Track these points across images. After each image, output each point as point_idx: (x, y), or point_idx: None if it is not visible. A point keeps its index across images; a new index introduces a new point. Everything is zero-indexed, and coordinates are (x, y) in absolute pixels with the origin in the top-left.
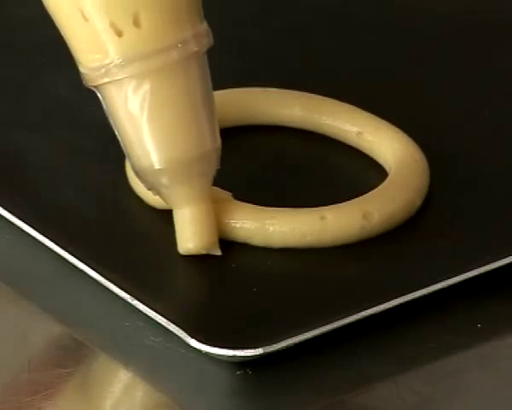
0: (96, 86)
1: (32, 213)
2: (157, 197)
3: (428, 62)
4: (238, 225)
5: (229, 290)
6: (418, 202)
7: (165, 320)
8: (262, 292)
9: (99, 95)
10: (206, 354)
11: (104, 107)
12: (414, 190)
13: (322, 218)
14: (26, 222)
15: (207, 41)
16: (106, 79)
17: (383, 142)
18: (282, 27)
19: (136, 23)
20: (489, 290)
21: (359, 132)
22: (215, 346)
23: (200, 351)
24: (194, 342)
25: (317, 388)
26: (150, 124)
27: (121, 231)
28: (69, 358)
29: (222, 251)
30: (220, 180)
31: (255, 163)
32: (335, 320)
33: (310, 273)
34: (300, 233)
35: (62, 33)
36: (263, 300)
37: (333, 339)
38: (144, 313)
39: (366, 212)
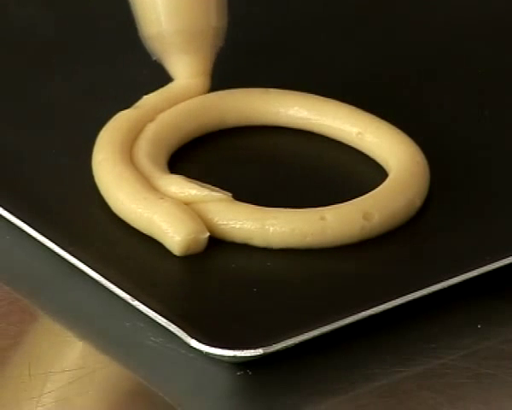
0: None
1: (32, 213)
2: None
3: (428, 62)
4: (238, 225)
5: (229, 290)
6: (418, 203)
7: (165, 320)
8: (262, 292)
9: None
10: (207, 355)
11: None
12: (414, 191)
13: (323, 218)
14: (26, 222)
15: None
16: None
17: (383, 142)
18: (282, 27)
19: None
20: (489, 290)
21: (359, 133)
22: (215, 346)
23: (200, 351)
24: (194, 343)
25: (317, 388)
26: None
27: (121, 231)
28: (69, 358)
29: (222, 251)
30: (220, 180)
31: (255, 163)
32: (335, 320)
33: (310, 273)
34: (300, 234)
35: None
36: (263, 300)
37: (333, 339)
38: (144, 314)
39: (366, 212)
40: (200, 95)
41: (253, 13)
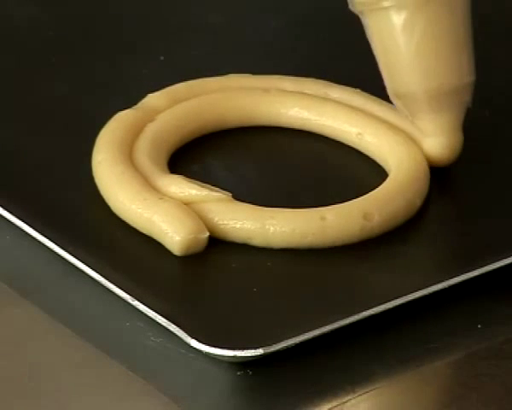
0: (360, 11)
1: (32, 213)
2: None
3: None
4: (238, 225)
5: (229, 290)
6: (418, 203)
7: (165, 320)
8: (262, 292)
9: (362, 19)
10: (207, 355)
11: (367, 32)
12: (414, 191)
13: (323, 218)
14: (26, 222)
15: None
16: (372, 6)
17: (383, 143)
18: (282, 26)
19: None
20: (489, 290)
21: (359, 133)
22: (215, 346)
23: (200, 351)
24: (194, 343)
25: (317, 388)
26: (413, 52)
27: (121, 231)
28: (69, 358)
29: (222, 251)
30: (220, 180)
31: (255, 163)
32: (335, 320)
33: (310, 273)
34: (301, 233)
35: None
36: (263, 300)
37: (333, 339)
38: (144, 314)
39: (366, 212)
40: (453, 157)
41: (254, 12)
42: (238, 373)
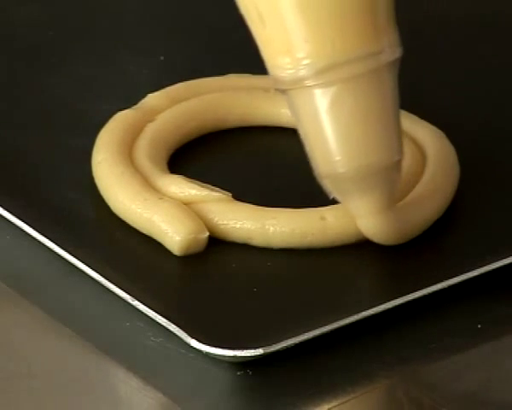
0: (283, 90)
1: (32, 213)
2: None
3: (428, 62)
4: (238, 225)
5: (229, 290)
6: None
7: (165, 320)
8: (262, 292)
9: (285, 99)
10: (207, 355)
11: (291, 111)
12: (412, 191)
13: (323, 218)
14: (26, 222)
15: (399, 50)
16: (295, 86)
17: None
18: None
19: None
20: (489, 290)
21: None
22: (215, 346)
23: (200, 351)
24: (194, 343)
25: (317, 388)
26: (339, 132)
27: (121, 232)
28: (69, 358)
29: (222, 251)
30: (220, 180)
31: (255, 163)
32: (335, 320)
33: (310, 273)
34: (301, 233)
35: (254, 34)
36: (263, 300)
37: (333, 339)
38: (144, 314)
39: None
40: (384, 238)
41: None
42: (238, 373)
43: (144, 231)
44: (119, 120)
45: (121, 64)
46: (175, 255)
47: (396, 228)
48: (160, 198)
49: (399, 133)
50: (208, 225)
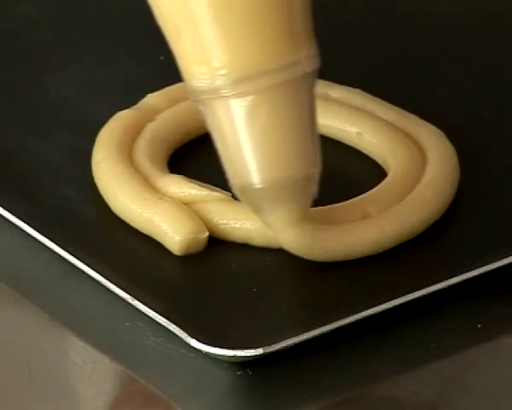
0: (200, 101)
1: (32, 213)
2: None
3: (428, 62)
4: (238, 225)
5: (229, 290)
6: None
7: (165, 320)
8: (262, 292)
9: (202, 109)
10: (207, 355)
11: (207, 121)
12: (412, 191)
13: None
14: (26, 222)
15: (317, 62)
16: (212, 96)
17: (382, 142)
18: None
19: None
20: (489, 290)
21: (359, 133)
22: (215, 346)
23: (200, 351)
24: (194, 342)
25: (317, 388)
26: (255, 143)
27: (121, 231)
28: (69, 358)
29: (222, 251)
30: (220, 180)
31: None
32: (335, 320)
33: (310, 273)
34: None
35: (170, 44)
36: (263, 300)
37: (333, 339)
38: (144, 314)
39: (365, 212)
40: (302, 249)
41: None
42: (238, 373)
43: (144, 231)
44: (119, 120)
45: (121, 64)
46: (175, 255)
47: (314, 240)
48: (160, 198)
49: (316, 145)
50: (208, 225)
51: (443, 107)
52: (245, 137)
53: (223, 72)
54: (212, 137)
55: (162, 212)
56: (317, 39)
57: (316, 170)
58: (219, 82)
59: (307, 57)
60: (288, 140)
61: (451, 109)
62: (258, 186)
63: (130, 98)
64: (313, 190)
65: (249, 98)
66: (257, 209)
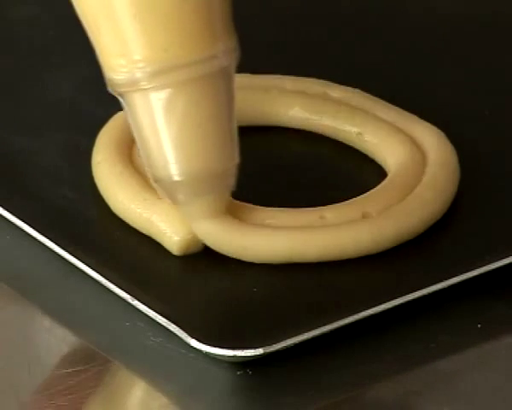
0: (120, 93)
1: (32, 213)
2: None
3: (428, 62)
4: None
5: (229, 290)
6: None
7: (165, 320)
8: (262, 292)
9: (122, 101)
10: (207, 355)
11: (126, 113)
12: (412, 190)
13: (322, 217)
14: (26, 222)
15: (236, 56)
16: (131, 88)
17: (382, 142)
18: (282, 26)
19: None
20: (489, 290)
21: (359, 133)
22: (215, 346)
23: (200, 351)
24: (194, 342)
25: (317, 388)
26: (173, 136)
27: (121, 231)
28: (69, 358)
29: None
30: None
31: (255, 163)
32: (335, 320)
33: (309, 273)
34: None
35: (90, 37)
36: (263, 300)
37: (333, 339)
38: (144, 314)
39: (365, 212)
40: (219, 243)
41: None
42: (238, 373)
43: (144, 231)
44: (119, 120)
45: None
46: (175, 255)
47: (232, 232)
48: (159, 198)
49: (235, 139)
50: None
51: (443, 107)
52: (163, 129)
53: (141, 64)
54: (131, 129)
55: (161, 212)
56: (317, 39)
57: (233, 163)
58: (138, 74)
59: (225, 51)
60: (206, 133)
61: (451, 109)
62: (175, 178)
63: None
64: (231, 183)
65: (167, 91)
66: (174, 200)
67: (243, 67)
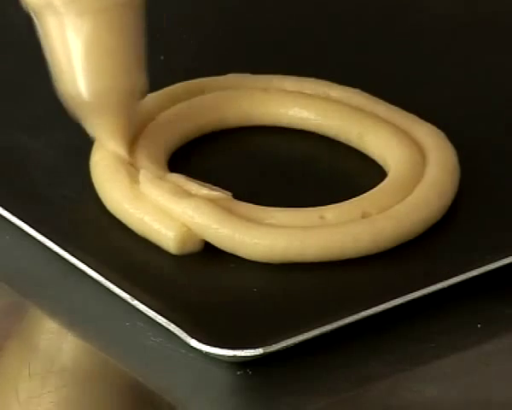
0: (35, 12)
1: (32, 213)
2: None
3: (428, 62)
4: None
5: (229, 290)
6: None
7: (165, 320)
8: (262, 292)
9: (35, 19)
10: (206, 354)
11: (39, 32)
12: (412, 190)
13: (322, 217)
14: (25, 222)
15: None
16: (47, 11)
17: (382, 143)
18: (282, 26)
19: None
20: (489, 290)
21: (359, 133)
22: (215, 346)
23: (200, 351)
24: (194, 342)
25: (317, 388)
26: (82, 57)
27: (120, 231)
28: (69, 358)
29: (221, 251)
30: (220, 180)
31: (255, 163)
32: (335, 320)
33: (309, 273)
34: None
35: None
36: (263, 300)
37: (333, 339)
38: (144, 314)
39: (365, 211)
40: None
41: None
42: (238, 373)
43: (139, 233)
44: None
45: None
46: (174, 255)
47: (233, 231)
48: (153, 198)
49: (140, 65)
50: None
51: (443, 107)
52: (73, 51)
53: None
54: (43, 48)
55: (153, 212)
56: (317, 39)
57: (138, 86)
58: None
59: None
60: (112, 57)
61: (451, 109)
62: (83, 96)
63: None
64: (136, 106)
65: (79, 17)
66: (83, 119)
67: (243, 67)
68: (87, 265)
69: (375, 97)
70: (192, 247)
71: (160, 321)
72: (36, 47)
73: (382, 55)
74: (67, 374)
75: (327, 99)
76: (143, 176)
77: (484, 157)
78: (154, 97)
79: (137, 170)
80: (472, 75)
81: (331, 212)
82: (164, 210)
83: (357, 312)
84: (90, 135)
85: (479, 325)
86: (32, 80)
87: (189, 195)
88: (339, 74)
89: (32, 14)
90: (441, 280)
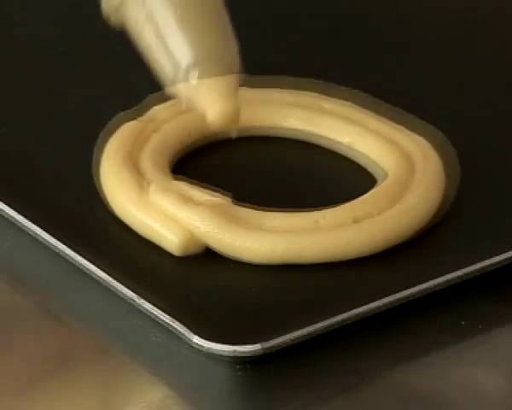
0: (116, 8)
1: (33, 213)
2: None
3: (428, 62)
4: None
5: (229, 290)
6: None
7: (168, 318)
8: (262, 291)
9: (119, 21)
10: (208, 352)
11: (130, 28)
12: (401, 196)
13: (316, 222)
14: (26, 222)
15: None
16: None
17: (372, 152)
18: (282, 26)
19: None
20: (489, 290)
21: (350, 143)
22: (216, 342)
23: (201, 350)
24: (196, 339)
25: (316, 386)
26: (175, 28)
27: (122, 231)
28: (71, 357)
29: (221, 251)
30: (222, 187)
31: (254, 171)
32: (334, 320)
33: (309, 273)
34: None
35: None
36: (262, 299)
37: (332, 338)
38: (146, 312)
39: (356, 216)
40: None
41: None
42: (238, 372)
43: (142, 234)
44: (126, 131)
45: (122, 65)
46: (177, 256)
47: (232, 234)
48: (156, 201)
49: (230, 30)
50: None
51: (443, 107)
52: (166, 22)
53: None
54: (137, 43)
55: (158, 215)
56: (317, 39)
57: (236, 50)
58: None
59: None
60: (206, 22)
61: (451, 109)
62: (188, 62)
63: (131, 100)
64: (237, 69)
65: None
66: (193, 95)
67: (243, 67)
68: (92, 263)
69: (365, 110)
70: (194, 251)
71: (163, 319)
72: (36, 48)
73: (382, 55)
74: (68, 374)
75: (320, 111)
76: (153, 190)
77: (484, 157)
78: (158, 110)
79: (144, 176)
80: (472, 75)
81: (325, 216)
82: (169, 216)
83: (357, 311)
84: (198, 109)
85: (479, 326)
86: (33, 81)
87: (193, 203)
88: (339, 74)
89: (114, 16)
90: (441, 280)
